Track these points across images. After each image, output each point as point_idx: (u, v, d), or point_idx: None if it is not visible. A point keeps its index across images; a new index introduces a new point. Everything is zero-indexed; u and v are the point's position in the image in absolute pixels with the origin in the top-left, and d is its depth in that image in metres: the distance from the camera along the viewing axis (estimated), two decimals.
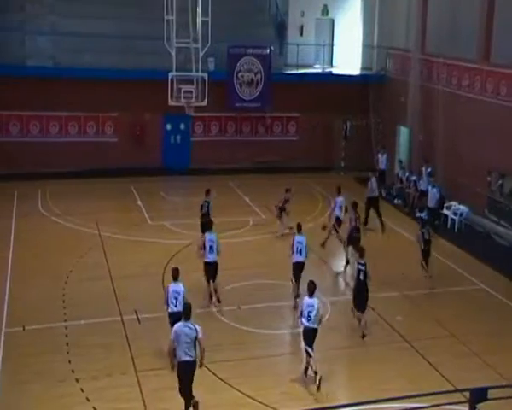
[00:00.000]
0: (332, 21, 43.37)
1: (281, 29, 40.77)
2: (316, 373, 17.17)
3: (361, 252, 20.50)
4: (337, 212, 26.64)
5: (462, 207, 30.24)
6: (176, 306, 17.64)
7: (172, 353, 15.49)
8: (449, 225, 30.11)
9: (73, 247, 25.56)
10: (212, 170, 33.33)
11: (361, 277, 20.09)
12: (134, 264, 24.83)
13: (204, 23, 31.71)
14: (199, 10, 31.87)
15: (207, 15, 31.43)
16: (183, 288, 17.88)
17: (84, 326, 19.81)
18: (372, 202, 30.02)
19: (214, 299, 21.48)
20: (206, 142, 37.42)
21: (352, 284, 21.99)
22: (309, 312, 17.40)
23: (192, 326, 15.32)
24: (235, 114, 38.28)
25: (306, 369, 17.64)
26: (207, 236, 21.39)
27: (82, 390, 16.50)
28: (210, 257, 21.30)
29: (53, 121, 36.08)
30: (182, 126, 37.78)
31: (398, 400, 10.75)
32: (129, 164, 35.38)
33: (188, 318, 15.37)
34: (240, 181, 34.69)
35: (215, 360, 17.99)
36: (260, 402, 16.26)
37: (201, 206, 26.21)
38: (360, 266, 20.14)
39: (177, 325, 15.44)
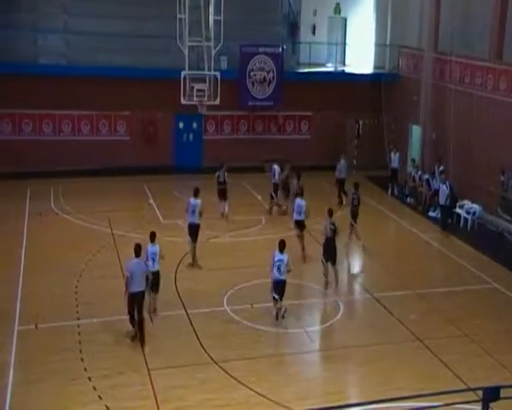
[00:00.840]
0: (344, 20, 43.29)
1: (293, 28, 40.74)
2: (283, 316, 20.19)
3: (330, 213, 23.38)
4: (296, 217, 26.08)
5: (475, 206, 30.15)
6: (153, 265, 20.00)
7: (127, 285, 18.49)
8: (461, 224, 30.02)
9: (86, 245, 25.62)
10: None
11: (329, 234, 22.77)
12: None
13: (216, 22, 31.70)
14: (211, 9, 31.84)
15: (220, 14, 31.41)
16: (158, 248, 20.31)
17: (97, 324, 19.86)
18: (340, 183, 32.75)
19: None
20: (219, 140, 37.44)
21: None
22: (279, 265, 20.06)
23: (143, 262, 19.00)
24: (248, 113, 38.28)
25: (277, 314, 20.16)
26: (191, 201, 24.04)
27: (94, 388, 16.55)
28: (191, 219, 24.27)
29: (65, 120, 36.17)
30: (194, 125, 37.80)
31: (410, 399, 10.72)
32: (141, 162, 35.44)
33: (138, 255, 18.94)
34: (253, 180, 34.69)
35: (227, 359, 18.05)
36: (272, 401, 16.26)
37: (218, 176, 30.07)
38: (330, 225, 22.82)
39: (131, 263, 18.75)
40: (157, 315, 20.26)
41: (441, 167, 31.55)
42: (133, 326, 18.82)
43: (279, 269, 20.01)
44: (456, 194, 30.28)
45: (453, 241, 28.36)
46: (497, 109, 30.08)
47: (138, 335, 18.71)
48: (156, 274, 20.00)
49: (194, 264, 24.40)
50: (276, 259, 20.13)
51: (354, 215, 26.99)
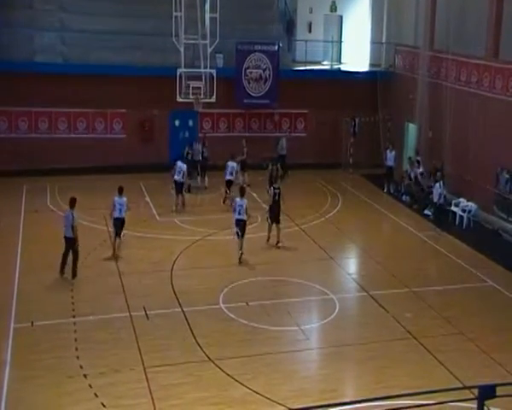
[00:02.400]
0: (340, 18, 43.35)
1: (289, 25, 40.75)
2: (241, 253, 24.60)
3: (276, 179, 28.62)
4: (227, 176, 31.13)
5: (471, 204, 30.19)
6: (120, 213, 24.87)
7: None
8: (457, 222, 30.06)
9: (82, 243, 25.53)
10: (220, 166, 33.22)
11: (276, 197, 26.48)
12: (142, 260, 24.88)
13: (212, 19, 31.73)
14: (207, 7, 31.89)
15: (216, 12, 31.45)
16: (125, 200, 25.01)
17: (93, 322, 19.86)
18: (282, 158, 35.15)
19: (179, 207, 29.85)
20: (215, 138, 37.40)
21: None
22: (239, 209, 24.77)
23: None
24: (244, 111, 38.29)
25: (241, 254, 24.62)
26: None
27: (90, 386, 16.53)
28: (177, 178, 29.71)
29: (61, 117, 36.15)
30: (190, 123, 37.80)
31: (405, 396, 10.75)
32: (137, 160, 35.45)
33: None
34: (248, 177, 34.67)
35: (223, 357, 18.06)
36: (269, 399, 16.26)
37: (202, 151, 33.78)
38: (275, 190, 26.61)
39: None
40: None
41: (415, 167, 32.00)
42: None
43: (239, 212, 24.80)
44: (444, 190, 30.41)
45: (449, 239, 28.39)
46: (493, 107, 30.12)
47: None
48: (121, 221, 24.99)
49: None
50: (237, 204, 24.87)
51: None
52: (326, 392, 16.74)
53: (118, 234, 25.08)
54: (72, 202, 23.06)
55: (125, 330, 19.46)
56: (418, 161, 33.27)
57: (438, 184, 29.45)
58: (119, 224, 24.95)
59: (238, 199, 25.23)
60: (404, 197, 33.06)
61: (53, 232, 26.74)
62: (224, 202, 30.95)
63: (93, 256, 24.77)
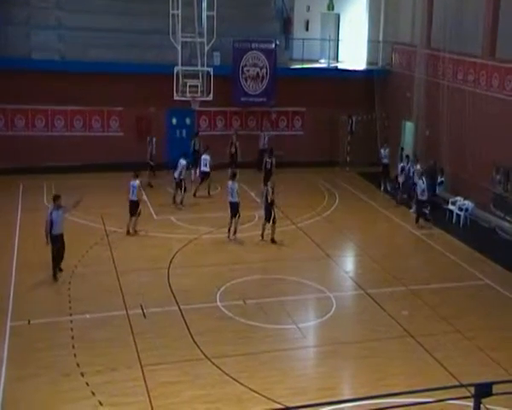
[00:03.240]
0: (338, 16, 43.33)
1: (286, 23, 40.71)
2: (235, 232, 26.59)
3: (268, 179, 28.92)
4: (202, 168, 32.09)
5: (468, 203, 30.20)
6: (132, 195, 26.64)
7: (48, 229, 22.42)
8: (454, 221, 30.08)
9: (79, 241, 25.57)
10: (217, 164, 33.23)
11: (270, 197, 26.62)
12: (139, 258, 24.89)
13: (209, 17, 31.72)
14: (204, 4, 31.87)
15: (213, 9, 31.43)
16: (137, 183, 26.64)
17: (90, 320, 19.86)
18: (263, 153, 35.06)
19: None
20: (212, 136, 37.37)
21: None
22: (231, 192, 26.53)
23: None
24: (241, 109, 38.27)
25: (230, 230, 26.62)
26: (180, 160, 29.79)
27: (87, 384, 16.54)
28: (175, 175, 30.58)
29: (58, 115, 36.10)
30: (187, 121, 37.78)
31: (402, 395, 10.74)
32: (134, 158, 35.34)
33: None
34: (245, 175, 34.66)
35: (220, 355, 18.07)
36: (265, 397, 16.27)
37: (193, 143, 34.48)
38: (270, 189, 26.76)
39: (53, 213, 22.51)
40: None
41: (409, 164, 31.88)
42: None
43: (232, 194, 26.55)
44: (432, 187, 30.54)
45: (446, 237, 28.42)
46: (490, 106, 30.13)
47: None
48: (132, 202, 26.70)
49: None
50: (229, 187, 26.75)
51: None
52: (323, 390, 16.76)
53: (131, 214, 26.76)
54: (57, 198, 22.97)
55: (122, 328, 19.46)
56: (407, 156, 33.23)
57: (420, 181, 29.47)
58: (131, 205, 26.66)
59: (230, 182, 26.88)
60: (399, 195, 32.93)
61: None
62: (194, 195, 31.79)
63: (90, 254, 24.79)
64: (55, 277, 22.37)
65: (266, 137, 37.15)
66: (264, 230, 26.83)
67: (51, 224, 22.29)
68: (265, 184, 28.37)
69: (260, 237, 26.78)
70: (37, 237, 26.20)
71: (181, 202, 30.28)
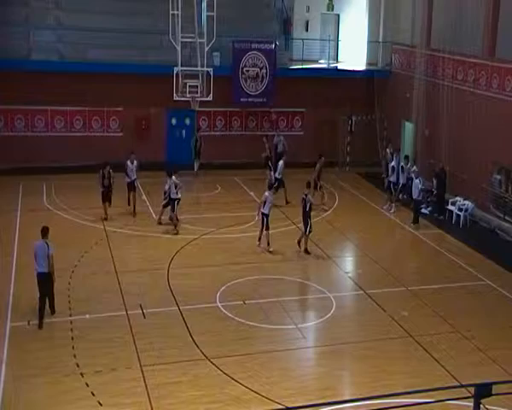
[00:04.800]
0: (337, 17, 43.30)
1: (286, 24, 40.68)
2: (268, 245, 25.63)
3: (307, 185, 26.64)
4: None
5: (467, 203, 30.21)
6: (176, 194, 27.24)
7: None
8: (454, 221, 30.08)
9: (78, 241, 25.58)
10: (216, 165, 33.30)
11: (303, 202, 25.73)
12: (139, 259, 24.91)
13: (209, 18, 31.71)
14: (204, 5, 31.86)
15: (213, 10, 31.42)
16: (173, 180, 27.04)
17: (89, 321, 19.85)
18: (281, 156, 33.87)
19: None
20: (211, 137, 37.39)
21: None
22: (266, 203, 25.60)
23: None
24: (241, 109, 38.27)
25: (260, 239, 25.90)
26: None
27: (87, 385, 16.54)
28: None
29: (58, 116, 36.11)
30: (187, 121, 37.78)
31: (401, 395, 10.75)
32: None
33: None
34: (245, 176, 34.71)
35: (220, 355, 18.07)
36: (265, 397, 16.27)
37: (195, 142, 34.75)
38: (303, 196, 25.80)
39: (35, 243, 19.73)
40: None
41: (409, 164, 31.86)
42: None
43: (265, 206, 25.69)
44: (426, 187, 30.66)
45: (445, 237, 28.43)
46: (490, 106, 30.12)
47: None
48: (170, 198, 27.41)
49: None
50: (267, 199, 25.73)
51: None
52: (323, 390, 16.76)
53: (163, 206, 27.89)
54: (45, 231, 20.05)
55: (122, 328, 19.45)
56: (407, 156, 33.22)
57: (417, 180, 29.49)
58: (168, 201, 27.57)
59: (267, 193, 26.27)
60: (401, 196, 32.90)
61: (49, 231, 26.74)
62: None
63: (90, 255, 24.77)
64: (40, 325, 19.39)
65: (282, 140, 36.83)
66: (301, 239, 25.93)
67: (35, 257, 19.66)
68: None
69: (299, 248, 25.95)
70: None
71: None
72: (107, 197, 28.50)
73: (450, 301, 22.25)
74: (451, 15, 32.75)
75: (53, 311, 19.95)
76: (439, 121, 32.65)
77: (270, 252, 25.53)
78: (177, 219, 27.67)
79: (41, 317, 19.40)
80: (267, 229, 25.81)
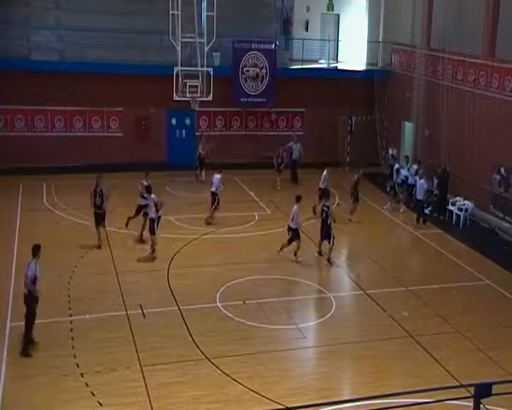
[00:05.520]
0: (337, 17, 43.29)
1: (286, 24, 40.68)
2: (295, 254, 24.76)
3: (327, 197, 26.31)
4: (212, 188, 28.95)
5: (468, 203, 30.22)
6: (213, 187, 28.15)
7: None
8: (454, 221, 30.09)
9: (78, 241, 25.57)
10: (217, 165, 33.22)
11: (323, 214, 24.94)
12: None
13: (209, 18, 31.67)
14: (204, 5, 31.83)
15: (213, 10, 31.39)
16: (219, 177, 28.39)
17: (89, 321, 19.84)
18: (294, 165, 35.26)
19: None
20: (211, 136, 37.37)
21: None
22: (293, 216, 24.63)
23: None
24: (241, 109, 38.27)
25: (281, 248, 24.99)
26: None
27: (87, 385, 16.54)
28: None
29: (58, 116, 36.12)
30: (187, 121, 37.79)
31: (401, 395, 10.75)
32: (134, 159, 35.38)
33: (35, 254, 18.34)
34: (245, 176, 34.70)
35: (220, 355, 18.07)
36: (265, 397, 16.27)
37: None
38: (324, 208, 24.98)
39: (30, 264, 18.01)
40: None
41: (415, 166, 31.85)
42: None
43: (292, 219, 24.73)
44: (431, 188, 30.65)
45: (445, 237, 28.43)
46: (490, 106, 30.12)
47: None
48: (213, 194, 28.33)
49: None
50: (292, 210, 24.72)
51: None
52: (323, 390, 16.77)
53: (211, 205, 28.38)
54: (36, 250, 18.41)
55: (122, 328, 19.46)
56: (406, 157, 33.38)
57: (422, 181, 29.50)
58: (211, 196, 28.31)
59: (296, 206, 24.91)
60: (401, 196, 32.85)
61: (49, 231, 26.77)
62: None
63: (89, 255, 24.76)
64: (25, 352, 17.92)
65: (299, 147, 35.94)
66: (320, 247, 25.49)
67: (34, 280, 18.16)
68: (320, 201, 26.47)
69: (317, 254, 25.57)
70: (37, 237, 26.27)
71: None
72: (100, 219, 25.62)
73: (450, 301, 22.26)
74: (451, 15, 32.75)
75: (25, 350, 17.91)
76: (438, 121, 32.64)
77: (298, 262, 24.92)
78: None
79: (26, 340, 17.98)
80: (294, 240, 25.01)
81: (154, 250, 24.69)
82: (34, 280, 18.01)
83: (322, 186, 29.78)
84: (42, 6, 36.39)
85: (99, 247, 25.37)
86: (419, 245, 28.00)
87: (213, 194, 28.66)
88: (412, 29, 36.71)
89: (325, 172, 30.40)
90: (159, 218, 25.14)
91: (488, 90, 30.34)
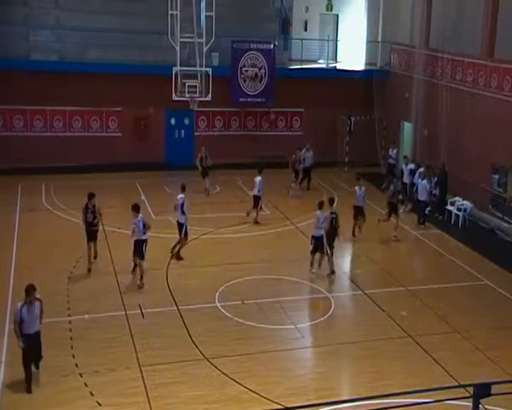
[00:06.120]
0: (336, 17, 43.32)
1: (285, 24, 40.69)
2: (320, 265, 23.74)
3: (331, 203, 25.08)
4: (255, 192, 28.79)
5: (466, 203, 30.22)
6: (255, 191, 28.04)
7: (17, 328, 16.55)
8: (453, 221, 30.09)
9: (77, 241, 25.52)
10: (216, 165, 33.27)
11: (333, 222, 23.85)
12: None
13: (208, 18, 31.65)
14: (203, 5, 31.81)
15: (211, 10, 31.37)
16: (259, 179, 27.87)
17: (88, 321, 19.85)
18: (307, 171, 34.22)
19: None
20: (210, 137, 37.39)
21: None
22: (319, 223, 23.42)
23: (35, 307, 16.59)
24: (239, 109, 38.28)
25: (312, 264, 23.77)
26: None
27: (86, 385, 16.54)
28: None
29: (57, 116, 36.13)
30: (186, 121, 37.79)
31: (400, 395, 10.74)
32: (133, 159, 35.41)
33: (31, 302, 16.45)
34: (244, 176, 34.69)
35: (219, 355, 18.07)
36: (264, 397, 16.27)
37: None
38: (332, 215, 23.92)
39: (22, 310, 16.34)
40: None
41: (412, 165, 31.87)
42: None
43: (315, 226, 23.61)
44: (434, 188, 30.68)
45: (444, 237, 28.43)
46: (489, 106, 30.14)
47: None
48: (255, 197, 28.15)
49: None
50: (321, 218, 23.50)
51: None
52: (322, 390, 16.77)
53: (253, 207, 28.48)
54: (30, 290, 16.58)
55: (121, 328, 19.46)
56: (405, 157, 33.54)
57: (424, 181, 29.51)
58: (254, 199, 28.39)
59: (319, 212, 23.75)
60: (401, 195, 32.80)
61: (48, 231, 26.79)
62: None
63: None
64: (28, 389, 16.48)
65: (312, 155, 34.69)
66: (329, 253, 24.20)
67: (21, 322, 16.46)
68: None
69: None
70: (36, 237, 26.29)
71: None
72: (92, 237, 23.89)
73: (449, 301, 22.26)
74: (450, 15, 32.77)
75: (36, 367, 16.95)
76: (437, 121, 32.65)
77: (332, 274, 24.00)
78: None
79: (28, 377, 16.55)
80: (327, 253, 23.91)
81: (141, 276, 22.49)
82: (20, 322, 16.40)
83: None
84: (41, 6, 36.42)
85: (89, 270, 23.34)
86: (418, 245, 28.00)
87: (256, 197, 28.53)
88: (411, 29, 36.76)
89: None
90: (146, 241, 22.94)
91: (487, 90, 30.34)
